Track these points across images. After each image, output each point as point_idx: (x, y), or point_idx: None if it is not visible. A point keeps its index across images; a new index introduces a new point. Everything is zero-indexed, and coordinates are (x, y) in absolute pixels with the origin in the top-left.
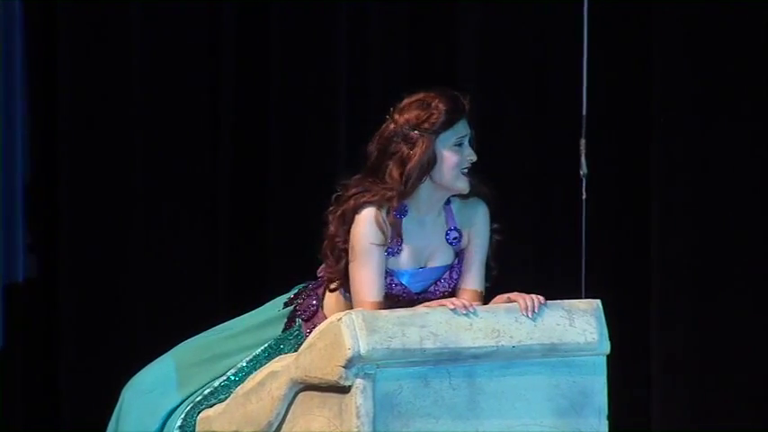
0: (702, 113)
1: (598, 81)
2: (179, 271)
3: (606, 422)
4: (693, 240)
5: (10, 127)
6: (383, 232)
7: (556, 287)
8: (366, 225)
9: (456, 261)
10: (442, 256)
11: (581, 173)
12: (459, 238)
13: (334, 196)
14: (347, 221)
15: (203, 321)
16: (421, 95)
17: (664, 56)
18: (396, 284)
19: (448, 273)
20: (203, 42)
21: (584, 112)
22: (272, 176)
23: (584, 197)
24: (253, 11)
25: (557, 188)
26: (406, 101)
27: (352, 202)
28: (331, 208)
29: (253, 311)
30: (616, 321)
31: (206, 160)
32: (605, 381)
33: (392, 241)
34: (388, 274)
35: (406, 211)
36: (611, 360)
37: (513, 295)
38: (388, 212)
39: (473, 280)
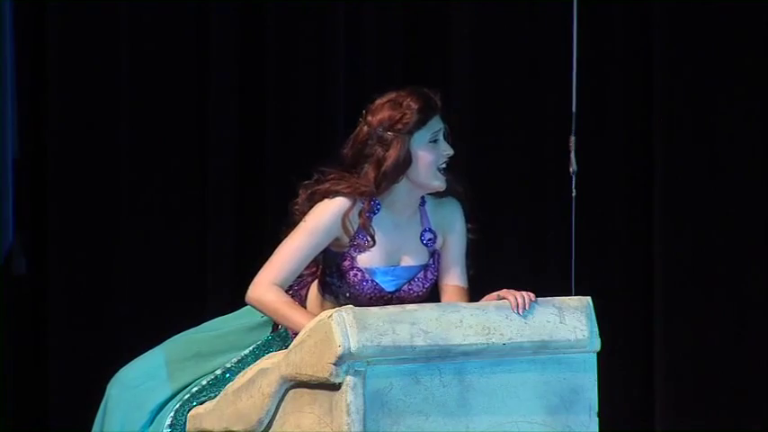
0: (695, 110)
1: (588, 78)
2: (168, 268)
3: (596, 419)
4: (686, 237)
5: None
6: (341, 228)
7: (547, 284)
8: (330, 211)
9: (431, 261)
10: (416, 256)
11: (570, 170)
12: (433, 240)
13: (314, 177)
14: (315, 200)
15: (192, 318)
16: (392, 95)
17: (654, 53)
18: (367, 281)
19: (422, 273)
20: (196, 39)
21: (573, 110)
22: (267, 177)
23: (573, 194)
24: (248, 8)
25: (547, 185)
26: (377, 102)
27: (327, 184)
28: (307, 182)
29: (240, 311)
30: (607, 319)
31: (197, 158)
32: (596, 378)
33: (361, 240)
34: (360, 271)
35: (378, 209)
36: (606, 358)
37: (504, 292)
38: (360, 213)
39: (456, 276)
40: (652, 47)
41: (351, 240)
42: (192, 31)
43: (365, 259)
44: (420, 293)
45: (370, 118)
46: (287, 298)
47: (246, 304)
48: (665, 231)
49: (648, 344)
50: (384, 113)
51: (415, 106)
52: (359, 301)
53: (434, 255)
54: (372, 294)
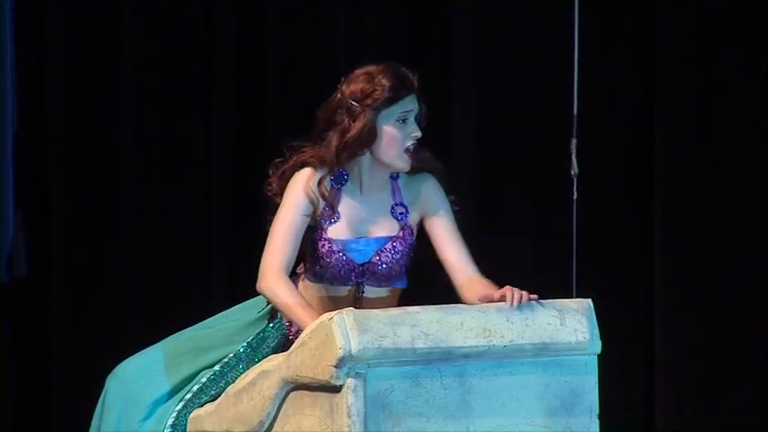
0: (695, 113)
1: (589, 80)
2: (170, 267)
3: (597, 421)
4: (687, 239)
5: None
6: (312, 199)
7: (547, 286)
8: (301, 182)
9: (401, 234)
10: (385, 228)
11: (572, 173)
12: (405, 213)
13: (287, 155)
14: (287, 177)
15: (194, 318)
16: (371, 68)
17: (655, 55)
18: (335, 252)
19: (390, 243)
20: (198, 30)
21: (575, 112)
22: (267, 175)
23: (574, 197)
24: (250, 8)
25: (548, 188)
26: (356, 72)
27: (294, 158)
28: (277, 160)
29: (236, 306)
30: (608, 321)
31: (199, 158)
32: (596, 380)
33: (326, 210)
34: (328, 241)
35: (345, 180)
36: (607, 359)
37: (505, 289)
38: (320, 183)
39: (469, 265)
40: (654, 48)
41: (320, 211)
42: (193, 28)
43: (334, 230)
44: (390, 264)
45: (344, 87)
46: (297, 296)
47: (249, 298)
48: (666, 233)
49: (649, 345)
50: (357, 85)
51: (387, 84)
52: (332, 275)
53: (405, 228)
54: (342, 266)
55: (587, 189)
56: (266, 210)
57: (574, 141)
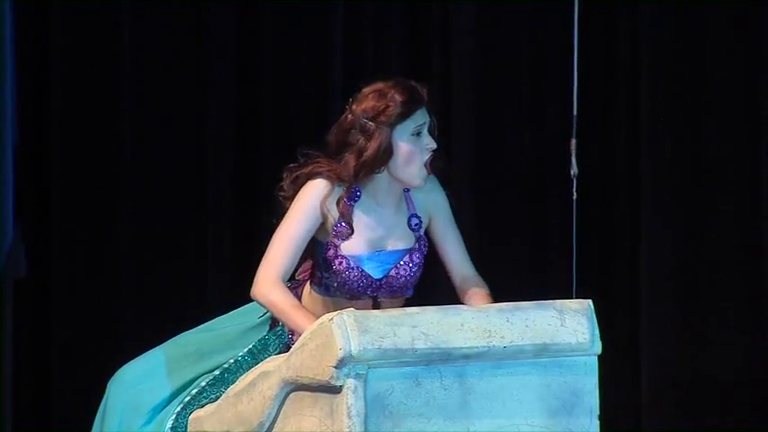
0: (693, 115)
1: (589, 81)
2: (170, 269)
3: (597, 422)
4: (683, 241)
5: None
6: (324, 213)
7: (548, 287)
8: (313, 193)
9: (416, 245)
10: (402, 241)
11: (571, 173)
12: (420, 224)
13: (301, 161)
14: (299, 183)
15: (194, 318)
16: (379, 86)
17: (653, 56)
18: (353, 269)
19: (408, 256)
20: (193, 27)
21: (574, 113)
22: (265, 175)
23: (574, 197)
24: (247, 11)
25: (548, 188)
26: (364, 90)
27: (311, 167)
28: (292, 165)
29: (238, 309)
30: (607, 321)
31: (198, 158)
32: (597, 381)
33: (341, 227)
34: (345, 258)
35: (358, 197)
36: (603, 359)
37: None
38: (338, 202)
39: (466, 263)
40: (654, 49)
41: (332, 227)
42: (191, 29)
43: (349, 247)
44: (408, 277)
45: (354, 106)
46: (292, 300)
47: (250, 301)
48: (661, 234)
49: (650, 347)
50: (368, 103)
51: (399, 99)
52: (348, 291)
53: (420, 239)
54: (360, 282)
55: (588, 189)
56: (266, 211)
57: (573, 142)
